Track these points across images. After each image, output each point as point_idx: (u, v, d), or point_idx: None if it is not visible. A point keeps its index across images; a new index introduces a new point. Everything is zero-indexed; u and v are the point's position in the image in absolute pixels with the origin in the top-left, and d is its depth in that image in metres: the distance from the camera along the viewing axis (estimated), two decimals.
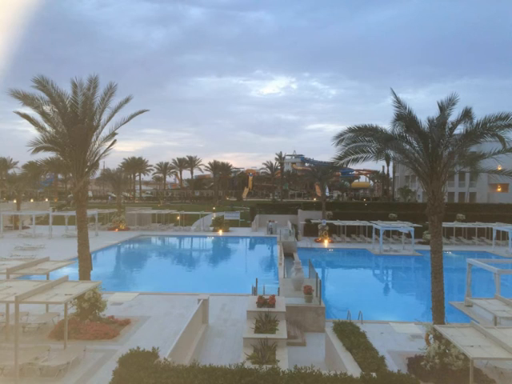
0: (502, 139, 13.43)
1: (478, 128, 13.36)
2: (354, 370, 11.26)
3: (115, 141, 20.33)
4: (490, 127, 13.15)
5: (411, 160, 15.20)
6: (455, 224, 49.34)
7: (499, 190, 77.95)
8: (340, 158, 16.33)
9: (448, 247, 47.37)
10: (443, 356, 14.43)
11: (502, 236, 47.38)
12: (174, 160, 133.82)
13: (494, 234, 43.87)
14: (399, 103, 15.15)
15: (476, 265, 22.48)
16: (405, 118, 14.70)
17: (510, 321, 16.48)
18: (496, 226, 44.00)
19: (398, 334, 18.54)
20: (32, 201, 79.32)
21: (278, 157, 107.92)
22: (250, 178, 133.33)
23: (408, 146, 14.91)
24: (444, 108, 14.83)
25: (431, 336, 15.72)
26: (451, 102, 14.86)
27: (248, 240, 51.92)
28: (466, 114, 13.75)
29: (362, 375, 9.28)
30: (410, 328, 19.25)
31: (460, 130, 14.19)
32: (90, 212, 45.39)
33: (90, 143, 19.71)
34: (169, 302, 22.32)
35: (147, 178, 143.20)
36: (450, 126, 14.29)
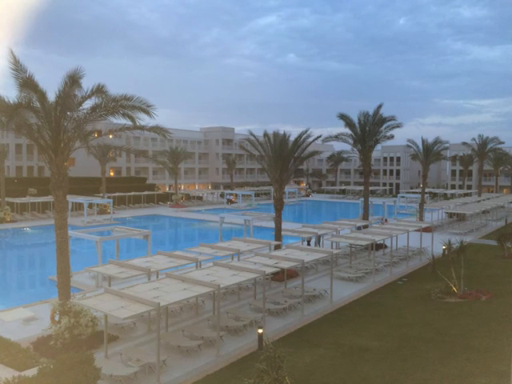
0: (132, 118, 14.73)
1: (110, 103, 14.08)
2: None
3: None
4: (120, 105, 14.15)
5: (34, 133, 14.02)
6: (30, 199, 48.22)
7: None
8: None
9: (24, 223, 45.92)
10: (73, 329, 14.60)
11: (78, 207, 51.31)
12: None
13: (70, 206, 46.26)
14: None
15: (76, 236, 23.43)
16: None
17: (126, 279, 18.52)
18: (71, 199, 46.45)
19: (9, 322, 16.86)
20: None
21: None
22: None
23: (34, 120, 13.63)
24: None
25: (57, 313, 15.47)
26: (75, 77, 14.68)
27: None
28: (99, 90, 14.09)
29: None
30: (19, 313, 17.89)
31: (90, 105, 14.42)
32: None
33: None
34: None
35: None
36: (80, 100, 14.23)
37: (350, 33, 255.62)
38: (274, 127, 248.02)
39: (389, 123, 33.90)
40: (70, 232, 23.54)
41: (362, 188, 55.30)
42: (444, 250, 28.36)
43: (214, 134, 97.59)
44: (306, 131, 26.79)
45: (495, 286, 21.85)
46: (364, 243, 25.59)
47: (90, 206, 50.21)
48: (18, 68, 13.63)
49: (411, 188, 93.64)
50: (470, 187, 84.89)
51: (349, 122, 33.61)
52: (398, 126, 34.11)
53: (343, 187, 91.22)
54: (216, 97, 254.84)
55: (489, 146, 61.41)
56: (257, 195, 74.78)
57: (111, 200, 51.36)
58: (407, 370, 12.92)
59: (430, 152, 44.29)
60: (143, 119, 15.54)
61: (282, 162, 25.70)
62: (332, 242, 27.98)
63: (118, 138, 69.91)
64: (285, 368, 9.81)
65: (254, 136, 27.45)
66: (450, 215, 48.12)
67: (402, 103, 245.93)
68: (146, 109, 15.16)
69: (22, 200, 49.00)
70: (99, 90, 14.11)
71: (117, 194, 59.31)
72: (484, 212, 45.78)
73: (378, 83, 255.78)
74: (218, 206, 65.06)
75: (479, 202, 51.55)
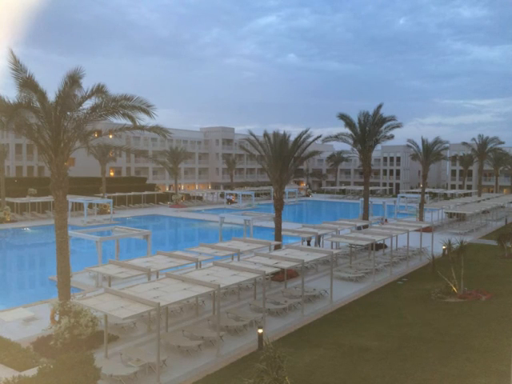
0: (132, 118, 14.75)
1: (110, 103, 14.06)
2: None
3: None
4: (120, 105, 14.12)
5: (34, 133, 14.02)
6: (30, 199, 48.23)
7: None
8: None
9: (24, 223, 45.93)
10: (73, 328, 14.60)
11: (78, 207, 51.15)
12: None
13: (70, 206, 46.23)
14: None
15: (76, 236, 23.40)
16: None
17: (126, 279, 18.50)
18: (71, 199, 46.42)
19: (9, 322, 16.87)
20: None
21: None
22: None
23: (34, 120, 13.64)
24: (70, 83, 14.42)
25: (57, 313, 15.46)
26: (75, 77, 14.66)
27: None
28: (99, 90, 14.08)
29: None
30: (19, 313, 17.90)
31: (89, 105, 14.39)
32: None
33: None
34: None
35: None
36: (80, 100, 14.22)
37: (350, 33, 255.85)
38: (273, 127, 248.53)
39: (389, 123, 33.93)
40: (70, 232, 23.54)
41: (362, 188, 55.28)
42: (444, 249, 28.34)
43: (214, 134, 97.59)
44: (306, 131, 26.80)
45: (495, 285, 21.84)
46: (364, 243, 25.59)
47: (90, 205, 50.20)
48: (17, 68, 13.64)
49: (411, 188, 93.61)
50: (470, 187, 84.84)
51: (349, 122, 33.60)
52: (398, 126, 34.12)
53: (343, 187, 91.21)
54: (216, 97, 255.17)
55: (489, 146, 61.36)
56: (257, 195, 74.78)
57: (111, 200, 51.37)
58: (407, 370, 12.91)
59: (429, 152, 44.28)
60: (143, 119, 15.55)
61: (282, 162, 25.69)
62: (332, 242, 27.98)
63: (118, 138, 69.77)
64: (285, 368, 9.80)
65: (254, 136, 27.45)
66: (450, 215, 48.10)
67: (402, 103, 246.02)
68: (145, 109, 15.16)
69: (22, 200, 48.98)
70: (99, 90, 14.11)
71: (117, 194, 59.30)
72: (484, 212, 45.77)
73: (378, 83, 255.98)
74: (217, 206, 65.06)
75: (479, 201, 51.53)
